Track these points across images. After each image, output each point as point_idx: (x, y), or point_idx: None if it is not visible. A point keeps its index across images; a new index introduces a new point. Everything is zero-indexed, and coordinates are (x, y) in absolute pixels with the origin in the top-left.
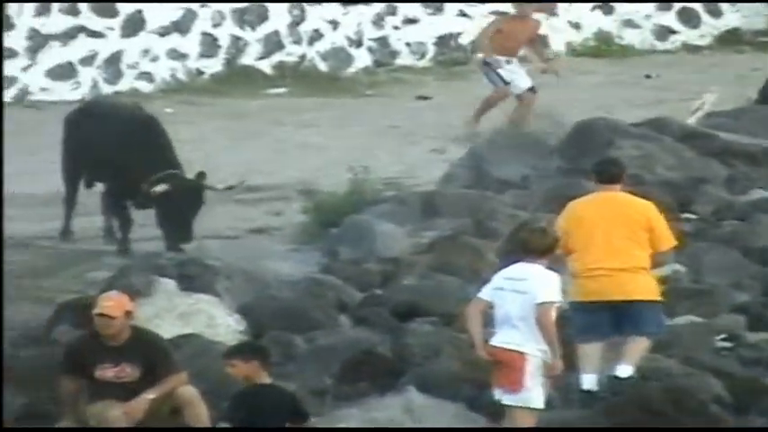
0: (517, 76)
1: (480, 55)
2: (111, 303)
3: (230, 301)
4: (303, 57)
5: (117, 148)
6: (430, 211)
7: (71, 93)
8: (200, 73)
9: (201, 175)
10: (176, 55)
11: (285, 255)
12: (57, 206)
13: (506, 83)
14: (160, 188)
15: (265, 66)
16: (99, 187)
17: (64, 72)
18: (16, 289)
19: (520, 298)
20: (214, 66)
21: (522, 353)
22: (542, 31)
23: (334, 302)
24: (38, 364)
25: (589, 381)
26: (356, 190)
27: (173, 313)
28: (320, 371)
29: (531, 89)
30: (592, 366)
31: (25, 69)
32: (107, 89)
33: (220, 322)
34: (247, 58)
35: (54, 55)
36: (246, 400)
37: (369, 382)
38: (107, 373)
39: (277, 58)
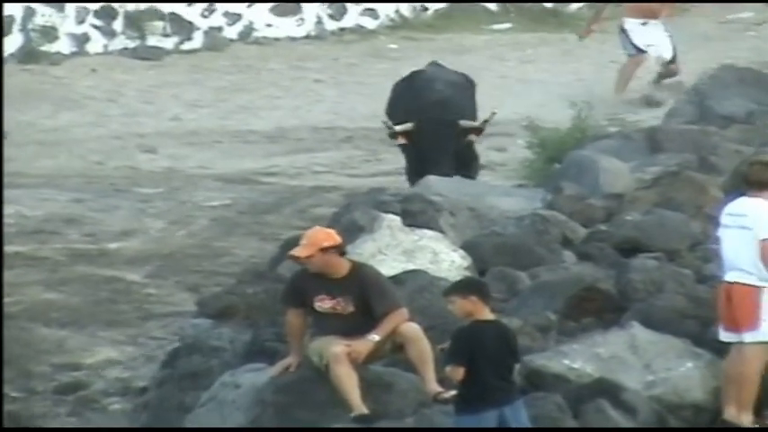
0: (656, 40)
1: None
2: (304, 242)
3: (454, 237)
4: None
5: None
6: (653, 146)
7: (295, 29)
8: (424, 9)
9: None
10: None
11: (509, 191)
12: (276, 142)
13: (640, 50)
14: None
15: (489, 1)
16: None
17: (288, 8)
18: (239, 225)
19: (743, 234)
20: (437, 2)
21: (755, 286)
22: None
23: (558, 238)
24: (263, 299)
25: None
26: (579, 126)
27: (396, 249)
28: (544, 306)
29: (672, 60)
30: None
31: (250, 6)
32: (331, 25)
33: (444, 258)
34: None
35: None
36: (466, 337)
37: (592, 317)
38: (325, 304)
39: None
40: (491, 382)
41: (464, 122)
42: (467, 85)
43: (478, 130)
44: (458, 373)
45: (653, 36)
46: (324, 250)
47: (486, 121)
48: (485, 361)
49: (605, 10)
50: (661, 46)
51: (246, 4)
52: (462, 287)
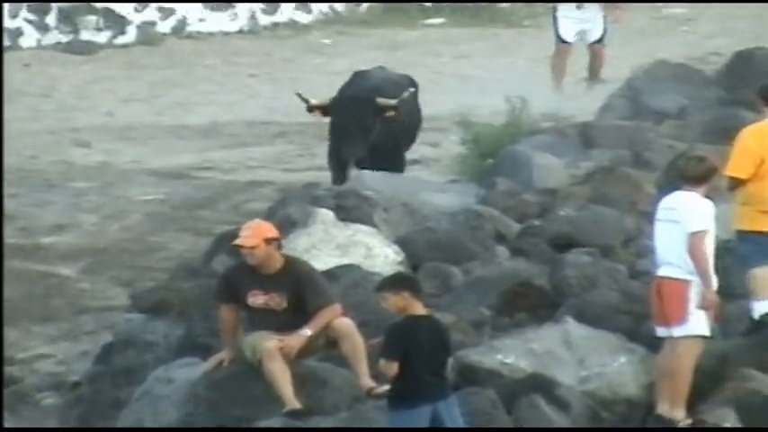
0: (589, 24)
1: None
2: (248, 233)
3: (388, 233)
4: None
5: None
6: (587, 142)
7: (229, 24)
8: (357, 4)
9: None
10: None
11: (442, 186)
12: (211, 137)
13: (565, 41)
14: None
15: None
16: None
17: (222, 3)
18: (174, 220)
19: (673, 227)
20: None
21: (683, 280)
22: None
23: (492, 234)
24: (197, 294)
25: (762, 307)
26: (513, 121)
27: (330, 244)
28: (478, 302)
29: (600, 41)
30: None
31: (183, 0)
32: (265, 20)
33: (378, 253)
34: None
35: None
36: (399, 332)
37: (526, 312)
38: (257, 299)
39: None
40: (424, 377)
41: (380, 100)
42: (405, 85)
43: (395, 109)
44: (391, 368)
45: (586, 21)
46: (267, 241)
47: (402, 99)
48: (418, 356)
49: None
50: (592, 30)
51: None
52: (394, 283)
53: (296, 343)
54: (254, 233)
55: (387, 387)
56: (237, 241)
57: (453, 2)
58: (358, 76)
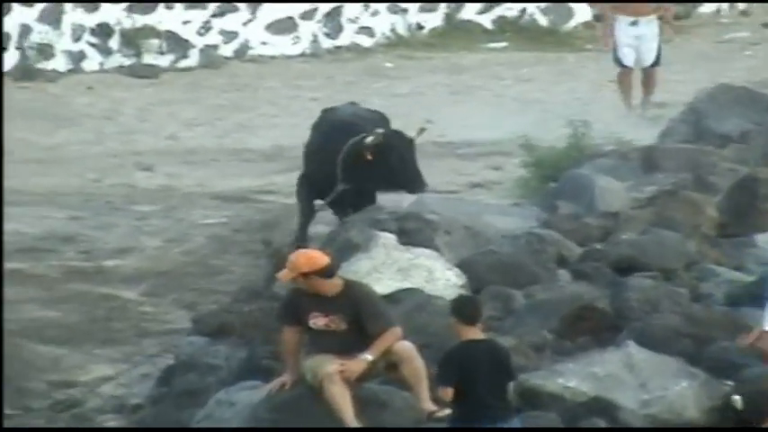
0: (644, 45)
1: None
2: (287, 266)
3: (449, 256)
4: (523, 11)
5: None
6: (649, 165)
7: (291, 47)
8: (419, 27)
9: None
10: (396, 9)
11: (504, 209)
12: (273, 161)
13: (623, 65)
14: (373, 139)
15: (485, 20)
16: None
17: (284, 26)
18: (236, 243)
19: None
20: (433, 20)
21: None
22: None
23: (554, 257)
24: (258, 317)
25: None
26: (576, 144)
27: (392, 268)
28: (539, 325)
29: (655, 64)
30: None
31: (246, 24)
32: (327, 43)
33: (439, 276)
34: (467, 13)
35: (275, 9)
36: (452, 358)
37: (588, 336)
38: (318, 321)
39: (497, 12)
40: (483, 400)
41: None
42: (379, 121)
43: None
44: (446, 393)
45: (640, 36)
46: (304, 275)
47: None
48: (474, 380)
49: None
50: (646, 52)
51: (242, 21)
52: (450, 308)
53: (357, 367)
54: (291, 266)
55: (448, 411)
56: (277, 274)
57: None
58: (329, 113)
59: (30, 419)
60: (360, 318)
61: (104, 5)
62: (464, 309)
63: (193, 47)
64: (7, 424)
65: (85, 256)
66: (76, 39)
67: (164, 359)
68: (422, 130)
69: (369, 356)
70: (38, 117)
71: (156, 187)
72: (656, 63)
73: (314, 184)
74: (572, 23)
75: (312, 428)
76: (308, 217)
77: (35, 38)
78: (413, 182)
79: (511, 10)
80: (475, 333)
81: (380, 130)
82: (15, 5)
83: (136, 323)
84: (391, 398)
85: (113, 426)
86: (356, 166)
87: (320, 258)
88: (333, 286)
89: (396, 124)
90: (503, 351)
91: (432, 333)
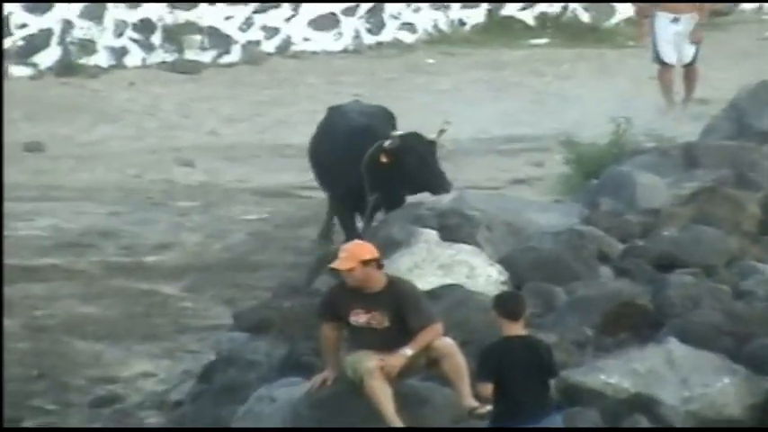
0: (685, 42)
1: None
2: (344, 255)
3: (491, 252)
4: (565, 7)
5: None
6: (691, 162)
7: (333, 43)
8: (461, 23)
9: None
10: (439, 5)
11: (546, 206)
12: None
13: (663, 62)
14: (391, 143)
15: (527, 16)
16: None
17: (326, 22)
18: (276, 239)
19: None
20: (475, 16)
21: None
22: None
23: (595, 254)
24: (299, 313)
25: None
26: (617, 141)
27: (433, 264)
28: (580, 321)
29: (693, 62)
30: None
31: (288, 20)
32: (369, 39)
33: (481, 273)
34: (509, 9)
35: (317, 6)
36: (491, 353)
37: (629, 332)
38: (360, 318)
39: (539, 8)
40: (522, 397)
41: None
42: (389, 118)
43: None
44: (485, 389)
45: (681, 33)
46: (364, 263)
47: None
48: (513, 376)
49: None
50: (687, 49)
51: (285, 17)
52: (493, 302)
53: (397, 362)
54: (351, 255)
55: (489, 407)
56: (334, 264)
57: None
58: (337, 115)
59: (70, 415)
60: (402, 314)
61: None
62: (507, 304)
63: (235, 42)
64: (47, 419)
65: (125, 252)
66: (119, 35)
67: (204, 355)
68: (442, 132)
69: (409, 351)
70: (79, 112)
71: (196, 183)
72: (694, 60)
73: (347, 201)
74: (614, 20)
75: (353, 429)
76: (354, 232)
77: (77, 33)
78: (436, 183)
79: (553, 7)
80: (517, 329)
81: (398, 133)
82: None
83: (176, 319)
84: (432, 394)
85: (154, 423)
86: (379, 173)
87: (375, 248)
88: (379, 281)
89: (436, 120)
90: (543, 347)
91: (473, 329)
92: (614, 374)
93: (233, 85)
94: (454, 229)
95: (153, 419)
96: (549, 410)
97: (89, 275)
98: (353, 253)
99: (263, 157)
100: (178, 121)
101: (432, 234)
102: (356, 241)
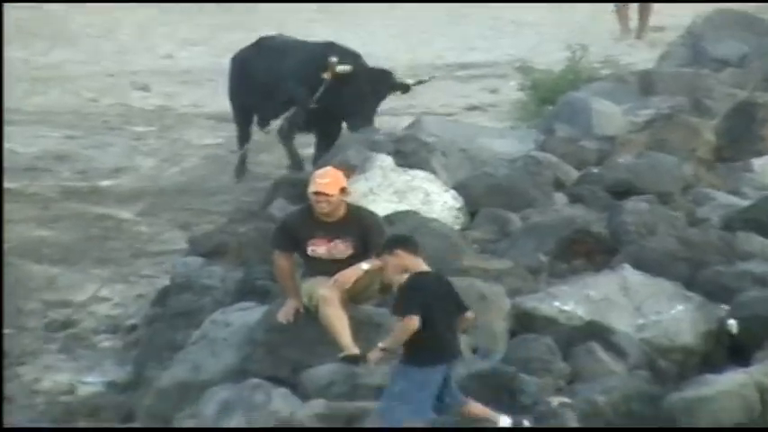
0: None
1: None
2: (328, 181)
3: (446, 178)
4: None
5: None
6: (646, 89)
7: None
8: None
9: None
10: None
11: (501, 132)
12: None
13: None
14: (342, 68)
15: None
16: None
17: None
18: (232, 164)
19: None
20: None
21: None
22: None
23: (550, 180)
24: (255, 238)
25: None
26: (573, 68)
27: (388, 189)
28: (535, 248)
29: None
30: None
31: None
32: None
33: (436, 199)
34: None
35: None
36: (414, 287)
37: (584, 259)
38: (319, 248)
39: None
40: (442, 332)
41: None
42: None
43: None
44: (413, 322)
45: None
46: (342, 191)
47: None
48: (433, 311)
49: None
50: None
51: None
52: (386, 245)
53: (352, 274)
54: (334, 180)
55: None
56: (318, 188)
57: None
58: (266, 40)
59: (25, 338)
60: (365, 243)
61: None
62: (408, 240)
63: None
64: (4, 343)
65: (81, 176)
66: None
67: (159, 280)
68: (420, 82)
69: (365, 265)
70: (35, 36)
71: (153, 107)
72: None
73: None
74: None
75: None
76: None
77: None
78: (359, 117)
79: None
80: (421, 265)
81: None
82: None
83: (131, 243)
84: (386, 320)
85: (109, 347)
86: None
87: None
88: (342, 208)
89: (390, 46)
90: (452, 283)
91: (428, 256)
92: (568, 301)
93: (189, 8)
94: (410, 154)
95: (107, 343)
96: (458, 350)
97: (44, 199)
98: (337, 178)
99: (219, 82)
100: (134, 44)
101: (387, 159)
102: (331, 167)
